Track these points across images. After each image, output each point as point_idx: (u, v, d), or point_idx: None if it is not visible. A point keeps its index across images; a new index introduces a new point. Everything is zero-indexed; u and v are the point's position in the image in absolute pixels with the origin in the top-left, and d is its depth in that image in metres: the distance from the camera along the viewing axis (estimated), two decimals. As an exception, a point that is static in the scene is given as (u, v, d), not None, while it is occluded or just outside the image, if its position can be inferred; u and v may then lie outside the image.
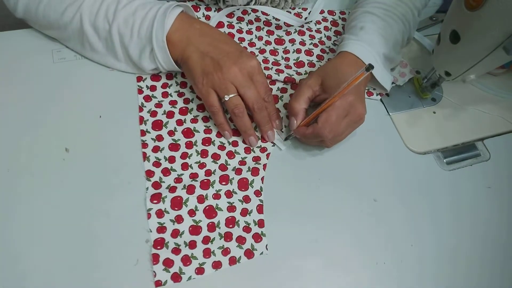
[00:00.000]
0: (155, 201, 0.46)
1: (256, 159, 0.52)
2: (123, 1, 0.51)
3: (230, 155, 0.52)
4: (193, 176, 0.49)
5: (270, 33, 0.63)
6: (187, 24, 0.51)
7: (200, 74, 0.49)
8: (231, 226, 0.47)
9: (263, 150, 0.52)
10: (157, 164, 0.49)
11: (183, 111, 0.54)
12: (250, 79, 0.50)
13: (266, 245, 0.46)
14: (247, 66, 0.49)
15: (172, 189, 0.47)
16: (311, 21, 0.65)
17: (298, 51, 0.61)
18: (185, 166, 0.50)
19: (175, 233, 0.45)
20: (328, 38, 0.64)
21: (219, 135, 0.53)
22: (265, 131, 0.52)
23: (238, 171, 0.50)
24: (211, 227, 0.46)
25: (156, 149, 0.50)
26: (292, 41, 0.62)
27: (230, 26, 0.62)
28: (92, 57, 0.55)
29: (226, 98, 0.49)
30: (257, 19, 0.64)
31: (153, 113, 0.53)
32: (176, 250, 0.44)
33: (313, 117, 0.50)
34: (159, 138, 0.51)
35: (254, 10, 0.64)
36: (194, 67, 0.50)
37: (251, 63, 0.49)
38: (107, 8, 0.50)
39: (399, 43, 0.57)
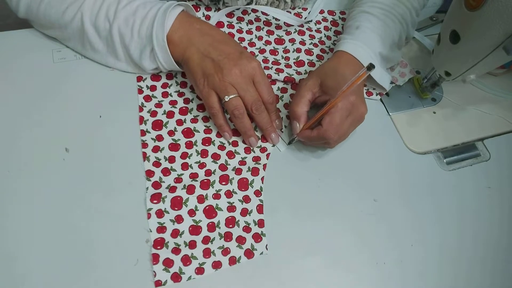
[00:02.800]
0: (155, 201, 0.46)
1: (256, 159, 0.52)
2: (124, 0, 0.51)
3: (230, 155, 0.52)
4: (193, 176, 0.49)
5: (270, 33, 0.63)
6: (188, 24, 0.51)
7: (200, 75, 0.49)
8: (231, 226, 0.47)
9: (263, 150, 0.52)
10: (157, 164, 0.49)
11: (183, 111, 0.54)
12: (251, 81, 0.50)
13: (266, 245, 0.46)
14: (247, 68, 0.49)
15: (172, 189, 0.47)
16: (311, 21, 0.65)
17: (298, 50, 0.61)
18: (185, 166, 0.50)
19: (175, 233, 0.45)
20: (328, 38, 0.64)
21: (219, 135, 0.53)
22: (268, 134, 0.52)
23: (238, 171, 0.50)
24: (211, 227, 0.46)
25: (156, 149, 0.50)
26: (292, 40, 0.62)
27: (230, 26, 0.62)
28: (92, 57, 0.55)
29: (226, 98, 0.49)
30: (257, 19, 0.64)
31: (153, 113, 0.53)
32: (176, 250, 0.44)
33: (316, 119, 0.49)
34: (159, 138, 0.51)
35: (254, 10, 0.64)
36: (195, 69, 0.50)
37: (252, 65, 0.49)
38: (107, 7, 0.50)
39: (396, 42, 0.57)
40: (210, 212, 0.47)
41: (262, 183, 0.50)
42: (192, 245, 0.45)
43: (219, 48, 0.50)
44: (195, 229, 0.46)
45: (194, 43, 0.50)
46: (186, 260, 0.44)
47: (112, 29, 0.50)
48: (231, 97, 0.48)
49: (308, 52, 0.61)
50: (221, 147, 0.52)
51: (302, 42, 0.62)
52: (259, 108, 0.50)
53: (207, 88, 0.49)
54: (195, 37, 0.50)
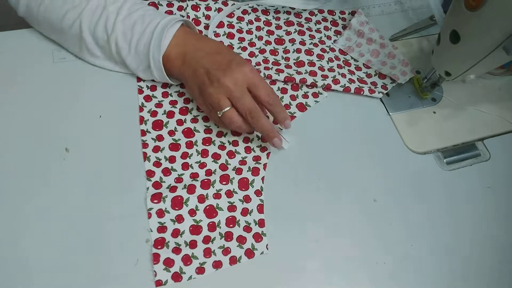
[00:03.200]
0: (155, 201, 0.46)
1: (257, 159, 0.52)
2: (123, 12, 0.50)
3: (231, 154, 0.52)
4: (194, 176, 0.49)
5: (270, 33, 0.63)
6: (184, 41, 0.50)
7: (197, 92, 0.50)
8: (231, 225, 0.47)
9: (263, 149, 0.52)
10: (157, 164, 0.49)
11: (183, 111, 0.54)
12: (244, 87, 0.48)
13: (267, 244, 0.46)
14: (237, 75, 0.48)
15: (172, 188, 0.47)
16: (312, 20, 0.65)
17: (298, 50, 0.61)
18: (185, 166, 0.50)
19: (176, 233, 0.45)
20: (328, 37, 0.64)
21: (219, 134, 0.53)
22: (269, 139, 0.50)
23: (238, 171, 0.50)
24: (212, 227, 0.46)
25: (156, 149, 0.50)
26: (292, 41, 0.63)
27: (230, 26, 0.62)
28: (91, 61, 0.54)
29: (219, 114, 0.48)
30: (257, 19, 0.64)
31: (154, 113, 0.53)
32: (177, 250, 0.44)
33: None
34: (160, 138, 0.51)
35: (254, 10, 0.64)
36: (191, 85, 0.50)
37: (243, 70, 0.48)
38: (106, 18, 0.50)
39: None
40: (211, 211, 0.47)
41: (263, 182, 0.50)
42: (192, 244, 0.45)
43: (211, 60, 0.49)
44: (195, 229, 0.46)
45: (189, 59, 0.50)
46: (187, 260, 0.44)
47: (109, 41, 0.50)
48: (224, 111, 0.48)
49: (308, 52, 0.61)
50: (222, 146, 0.52)
51: (302, 42, 0.62)
52: (255, 116, 0.48)
53: (205, 105, 0.50)
54: (190, 53, 0.50)
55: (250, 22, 0.63)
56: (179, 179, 0.49)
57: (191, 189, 0.48)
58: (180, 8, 0.61)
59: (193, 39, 0.51)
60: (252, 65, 0.50)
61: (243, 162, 0.51)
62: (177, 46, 0.50)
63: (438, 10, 0.59)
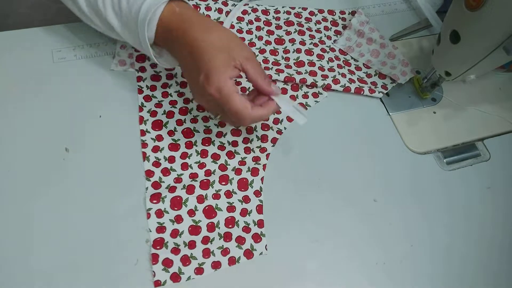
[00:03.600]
0: (154, 201, 0.46)
1: (256, 159, 0.52)
2: None
3: (230, 155, 0.52)
4: (193, 176, 0.49)
5: (270, 33, 0.63)
6: (167, 34, 0.46)
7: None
8: (230, 226, 0.47)
9: (263, 150, 0.52)
10: (157, 164, 0.49)
11: (183, 111, 0.54)
12: (222, 103, 0.44)
13: (266, 245, 0.46)
14: (206, 96, 0.44)
15: (171, 189, 0.47)
16: (311, 21, 0.65)
17: (298, 50, 0.61)
18: (184, 166, 0.50)
19: (175, 233, 0.45)
20: (328, 37, 0.64)
21: (219, 135, 0.53)
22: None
23: (237, 171, 0.50)
24: (211, 227, 0.46)
25: (156, 149, 0.50)
26: (292, 41, 0.62)
27: (230, 26, 0.62)
28: (80, 17, 0.52)
29: (215, 121, 0.52)
30: (257, 19, 0.64)
31: (153, 113, 0.53)
32: (176, 250, 0.44)
33: None
34: (159, 138, 0.51)
35: (254, 10, 0.64)
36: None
37: (210, 91, 0.43)
38: None
39: None
40: (210, 212, 0.47)
41: (262, 183, 0.50)
42: (191, 245, 0.45)
43: (188, 69, 0.46)
44: (194, 229, 0.46)
45: (174, 52, 0.48)
46: (186, 260, 0.44)
47: (102, 13, 0.47)
48: (217, 119, 0.50)
49: (308, 52, 0.61)
50: (221, 147, 0.52)
51: (302, 42, 0.62)
52: (241, 123, 0.47)
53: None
54: (175, 44, 0.46)
55: (250, 22, 0.63)
56: (178, 179, 0.49)
57: (190, 189, 0.48)
58: (180, 8, 0.61)
59: (174, 31, 0.45)
60: (221, 84, 0.43)
61: (242, 162, 0.51)
62: (163, 33, 0.46)
63: (431, 14, 0.60)
